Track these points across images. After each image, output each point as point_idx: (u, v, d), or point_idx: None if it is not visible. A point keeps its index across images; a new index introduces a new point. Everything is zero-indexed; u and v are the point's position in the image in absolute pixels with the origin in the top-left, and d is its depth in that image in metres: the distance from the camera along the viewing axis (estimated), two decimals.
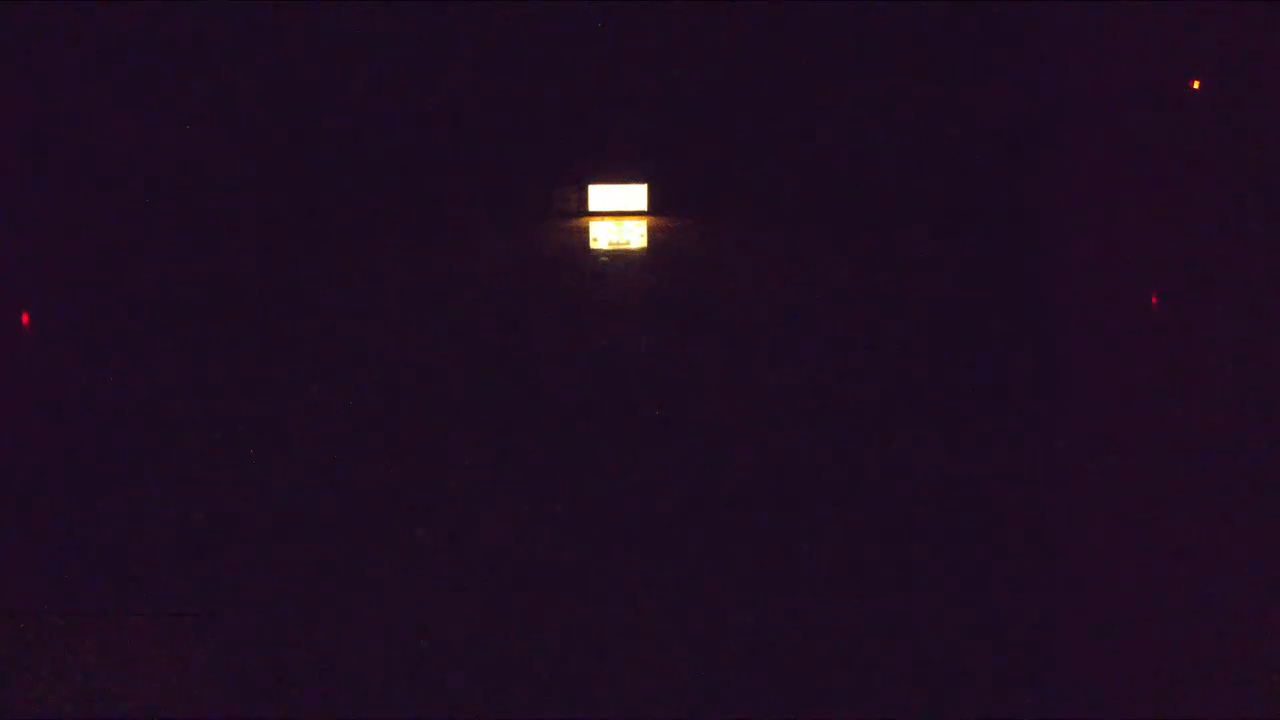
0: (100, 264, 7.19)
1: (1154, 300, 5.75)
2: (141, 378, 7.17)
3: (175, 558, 7.09)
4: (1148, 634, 5.95)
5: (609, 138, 7.28)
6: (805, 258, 7.27)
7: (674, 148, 7.26)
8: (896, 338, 7.24)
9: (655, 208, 7.25)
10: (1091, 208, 6.58)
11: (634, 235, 7.24)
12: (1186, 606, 5.59)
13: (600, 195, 7.25)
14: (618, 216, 7.26)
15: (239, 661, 6.89)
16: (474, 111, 7.23)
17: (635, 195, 7.23)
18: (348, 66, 7.22)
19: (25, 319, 7.08)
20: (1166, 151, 5.61)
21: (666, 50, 7.24)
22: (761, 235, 7.26)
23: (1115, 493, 6.34)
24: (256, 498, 7.14)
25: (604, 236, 7.25)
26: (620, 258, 7.27)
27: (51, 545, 7.02)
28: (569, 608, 7.22)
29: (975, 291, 7.21)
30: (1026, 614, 7.07)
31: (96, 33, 7.16)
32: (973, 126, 7.19)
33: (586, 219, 7.26)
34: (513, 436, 7.24)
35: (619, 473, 7.21)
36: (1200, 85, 5.30)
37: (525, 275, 7.26)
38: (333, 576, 7.13)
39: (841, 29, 7.18)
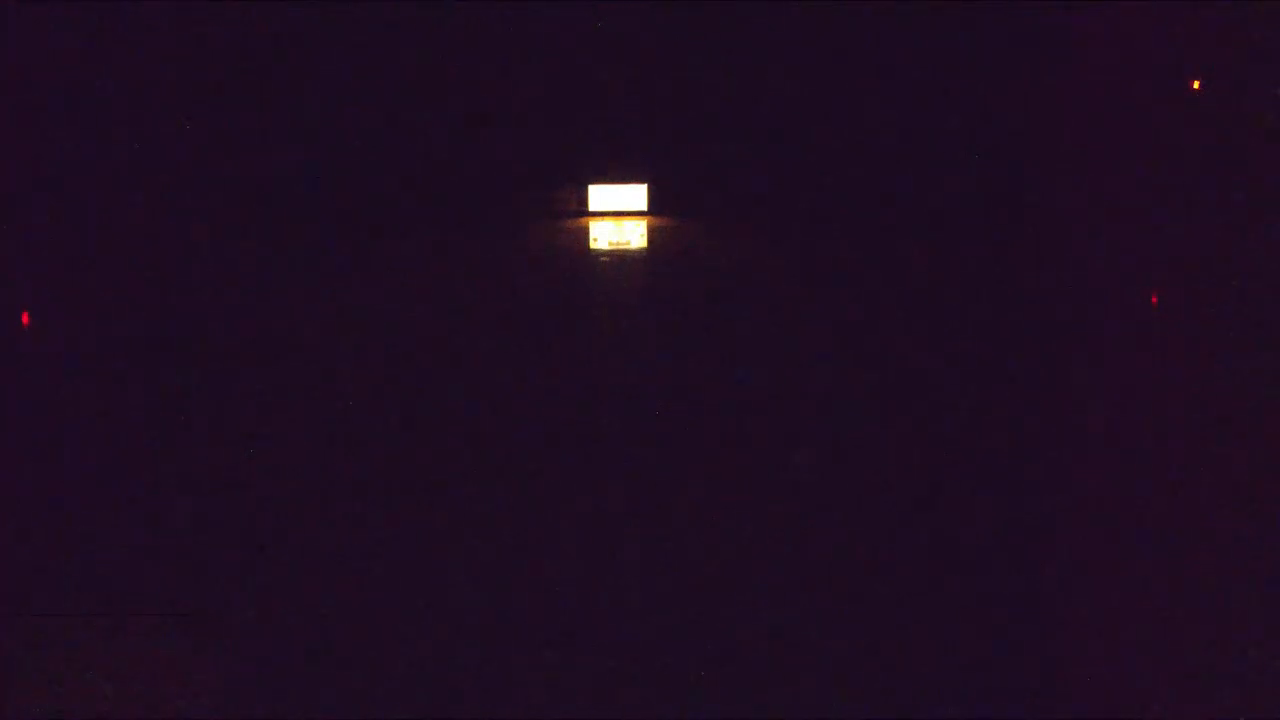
0: (100, 264, 7.19)
1: (1154, 300, 5.75)
2: (142, 378, 7.17)
3: (175, 558, 7.08)
4: (1148, 634, 5.95)
5: (609, 138, 7.28)
6: (806, 258, 7.27)
7: (674, 148, 7.27)
8: (898, 337, 7.24)
9: (655, 208, 7.25)
10: (1091, 208, 6.59)
11: (634, 235, 7.24)
12: (1187, 607, 5.59)
13: (600, 195, 7.25)
14: (618, 216, 7.27)
15: (239, 661, 6.88)
16: (472, 111, 7.23)
17: (635, 195, 7.24)
18: (345, 66, 7.22)
19: (25, 319, 7.09)
20: (1166, 151, 5.61)
21: (666, 50, 7.25)
22: (762, 235, 7.27)
23: (1115, 493, 6.35)
24: (257, 498, 7.13)
25: (604, 236, 7.25)
26: (620, 258, 7.27)
27: (52, 545, 7.01)
28: (570, 606, 7.22)
29: (976, 291, 7.22)
30: (1026, 614, 7.07)
31: (96, 31, 7.16)
32: (974, 126, 7.19)
33: (586, 219, 7.26)
34: (512, 436, 7.23)
35: (618, 472, 7.21)
36: (1200, 85, 5.30)
37: (524, 275, 7.26)
38: (333, 576, 7.13)
39: (843, 28, 7.19)
